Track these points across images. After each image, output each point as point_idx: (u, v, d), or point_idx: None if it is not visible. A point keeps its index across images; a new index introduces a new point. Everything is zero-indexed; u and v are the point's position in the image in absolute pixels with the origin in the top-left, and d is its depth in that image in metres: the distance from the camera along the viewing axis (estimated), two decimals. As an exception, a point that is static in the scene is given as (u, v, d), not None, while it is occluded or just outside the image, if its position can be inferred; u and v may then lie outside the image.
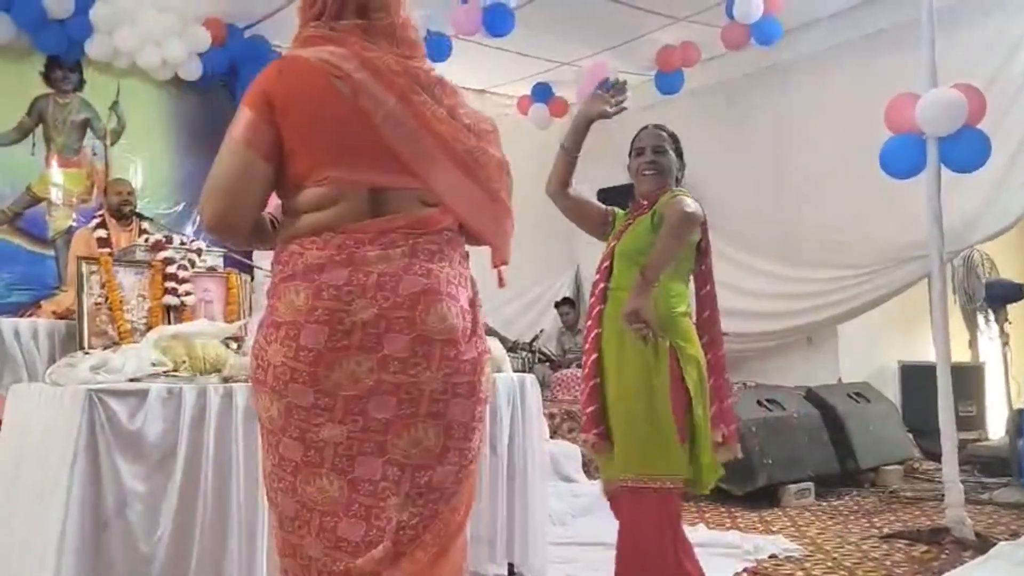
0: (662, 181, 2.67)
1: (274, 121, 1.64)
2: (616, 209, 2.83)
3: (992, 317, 5.17)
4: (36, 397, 2.54)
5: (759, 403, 5.11)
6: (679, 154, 2.75)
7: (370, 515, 1.65)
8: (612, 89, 2.63)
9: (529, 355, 6.58)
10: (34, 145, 5.73)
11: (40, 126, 5.76)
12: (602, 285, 2.63)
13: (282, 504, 1.68)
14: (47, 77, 5.75)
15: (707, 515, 4.57)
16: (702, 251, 2.68)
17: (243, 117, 1.65)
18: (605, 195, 5.55)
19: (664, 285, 2.46)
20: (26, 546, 2.33)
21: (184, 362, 2.61)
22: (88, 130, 5.94)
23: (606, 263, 2.65)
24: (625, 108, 2.62)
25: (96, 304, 3.52)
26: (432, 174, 1.70)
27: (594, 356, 2.59)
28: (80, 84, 5.88)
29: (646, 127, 2.77)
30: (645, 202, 2.68)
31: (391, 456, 1.65)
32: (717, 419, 2.57)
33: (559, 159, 2.70)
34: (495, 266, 1.86)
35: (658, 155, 2.68)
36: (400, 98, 1.68)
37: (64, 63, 5.76)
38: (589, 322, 2.65)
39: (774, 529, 4.21)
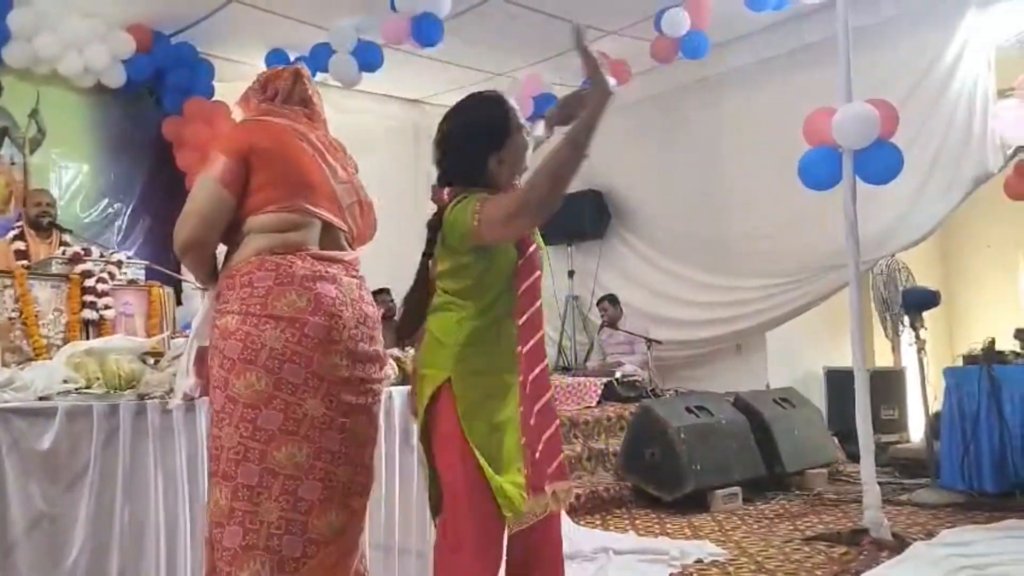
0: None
1: (247, 164, 2.13)
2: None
3: (908, 323, 5.34)
4: (-60, 417, 2.45)
5: (688, 410, 5.19)
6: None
7: (326, 478, 2.10)
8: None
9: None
10: (-52, 153, 5.54)
11: (-46, 134, 5.57)
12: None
13: (243, 474, 2.03)
14: (-38, 84, 5.57)
15: (637, 522, 4.62)
16: None
17: (219, 161, 2.13)
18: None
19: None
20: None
21: (98, 379, 2.54)
22: (6, 138, 5.76)
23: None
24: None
25: (10, 319, 3.40)
26: (352, 219, 2.31)
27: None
28: (-3, 91, 5.70)
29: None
30: None
31: (345, 435, 2.13)
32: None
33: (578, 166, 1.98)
34: None
35: None
36: (341, 165, 2.31)
37: (-21, 70, 5.59)
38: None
39: (702, 534, 4.28)
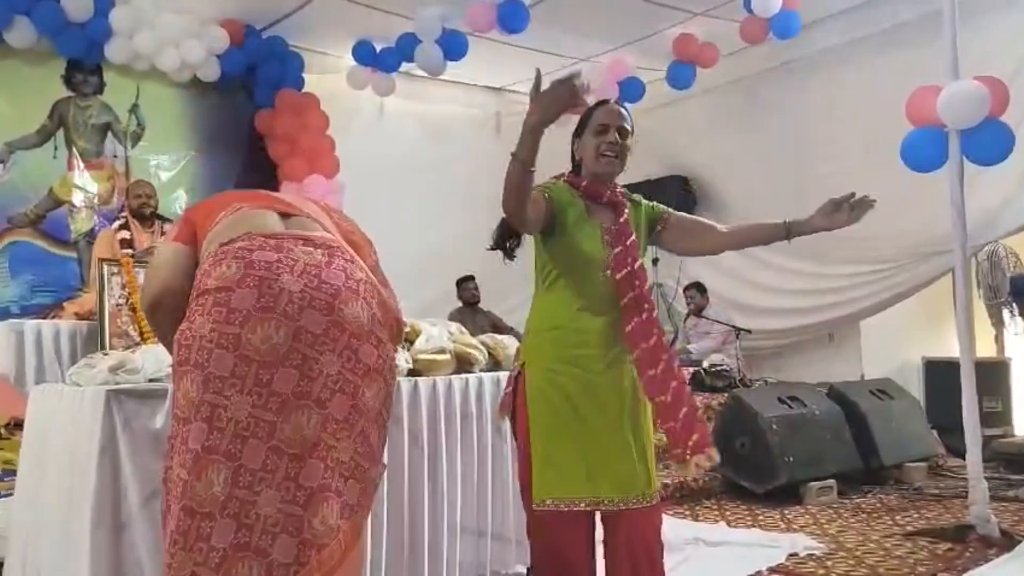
0: (619, 169, 2.40)
1: (192, 223, 2.08)
2: (549, 186, 2.37)
3: (1016, 312, 5.09)
4: (57, 398, 2.55)
5: (780, 400, 5.07)
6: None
7: (241, 513, 1.70)
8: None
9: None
10: (56, 148, 5.81)
11: (61, 129, 5.84)
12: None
13: (173, 517, 1.70)
14: (68, 80, 5.84)
15: (728, 513, 4.54)
16: None
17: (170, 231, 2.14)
18: (646, 188, 5.54)
19: None
20: (55, 547, 2.35)
21: (203, 362, 2.60)
22: (109, 133, 6.01)
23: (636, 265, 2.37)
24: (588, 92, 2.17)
25: (117, 305, 3.55)
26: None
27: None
28: (100, 87, 5.96)
29: (606, 101, 2.42)
30: (609, 191, 2.40)
31: (274, 443, 1.73)
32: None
33: (521, 176, 2.09)
34: None
35: (623, 138, 2.37)
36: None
37: (84, 66, 5.85)
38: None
39: (796, 527, 4.17)
